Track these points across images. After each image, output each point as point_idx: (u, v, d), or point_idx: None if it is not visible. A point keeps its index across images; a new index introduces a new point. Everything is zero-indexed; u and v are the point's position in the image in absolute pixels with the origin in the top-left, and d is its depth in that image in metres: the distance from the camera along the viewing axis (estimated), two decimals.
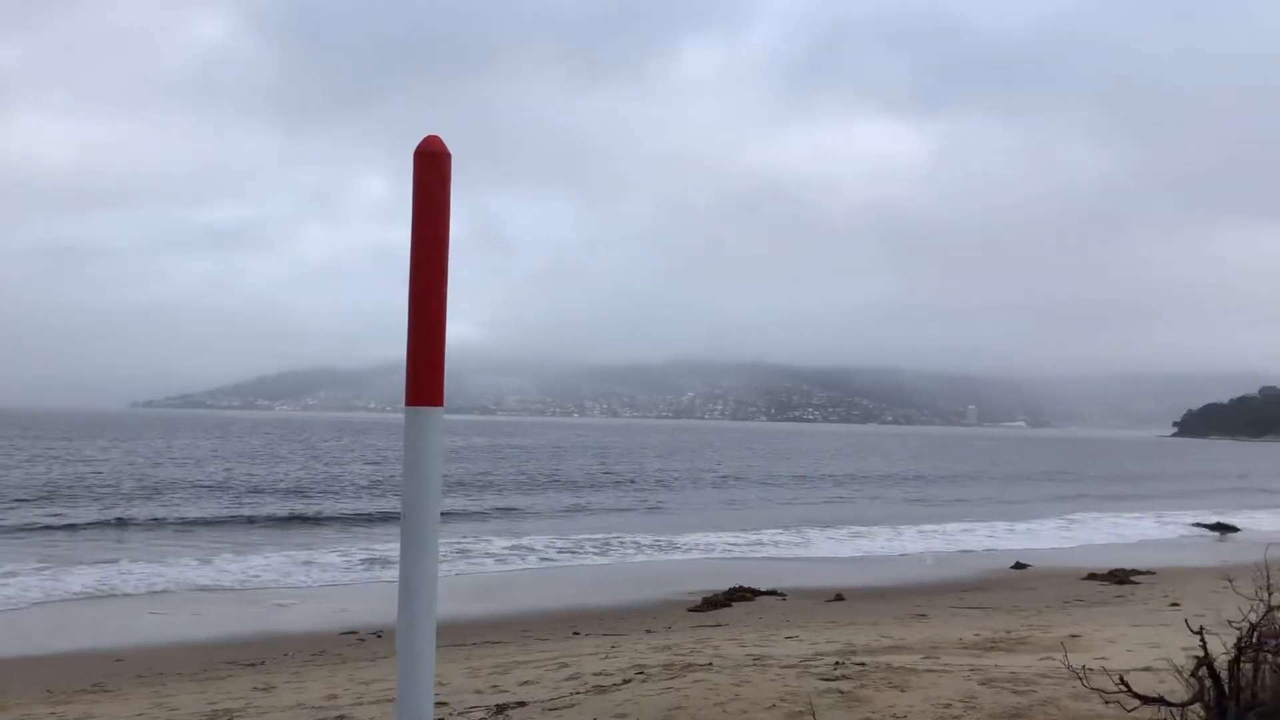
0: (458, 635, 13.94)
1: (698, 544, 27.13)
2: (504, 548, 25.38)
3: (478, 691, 9.43)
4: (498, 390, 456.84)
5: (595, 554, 25.11)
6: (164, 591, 18.88)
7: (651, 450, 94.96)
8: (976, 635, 12.67)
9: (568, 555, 24.78)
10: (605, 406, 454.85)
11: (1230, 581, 5.01)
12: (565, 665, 10.60)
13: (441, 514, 3.28)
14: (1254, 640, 4.54)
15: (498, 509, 36.91)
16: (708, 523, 32.60)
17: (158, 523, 30.19)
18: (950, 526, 33.35)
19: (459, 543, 25.43)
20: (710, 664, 10.13)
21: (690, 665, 10.07)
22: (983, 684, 8.80)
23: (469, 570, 22.17)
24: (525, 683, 9.75)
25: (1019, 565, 23.65)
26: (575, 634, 14.37)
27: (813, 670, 9.51)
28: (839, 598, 18.17)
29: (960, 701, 8.06)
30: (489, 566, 22.89)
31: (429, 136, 3.25)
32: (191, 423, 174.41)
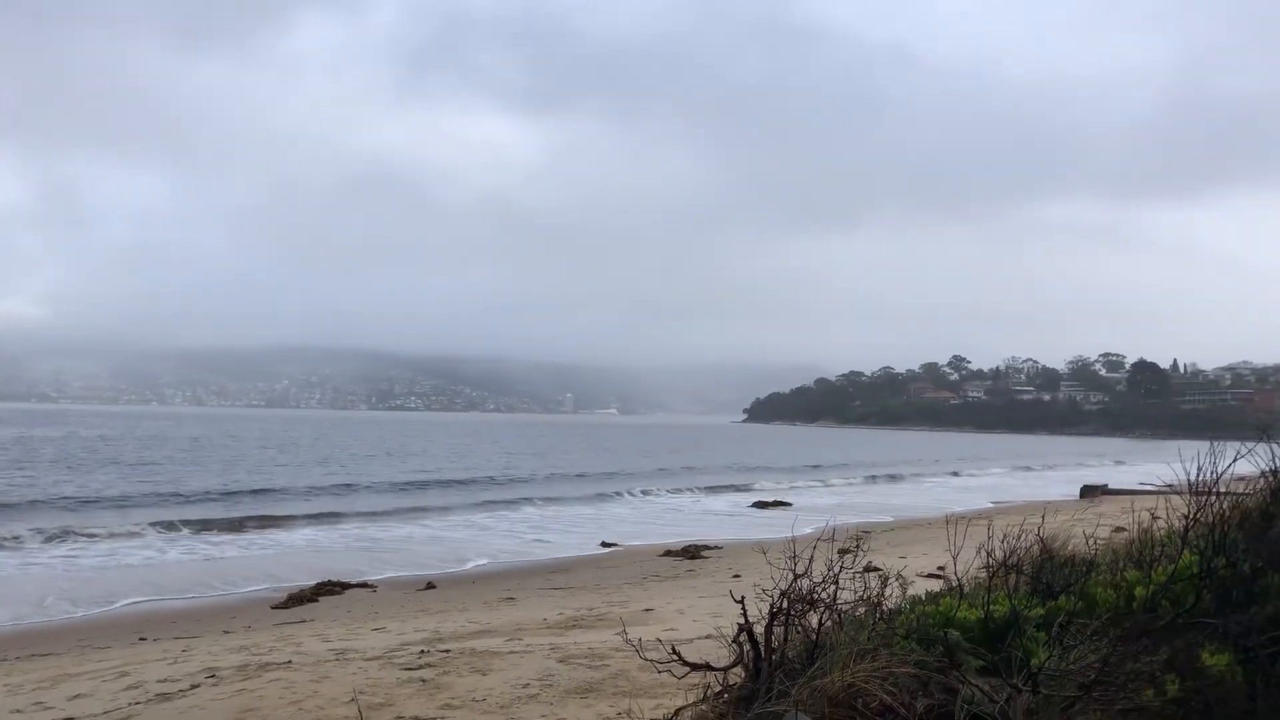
0: None
1: (287, 538, 26.00)
2: (53, 547, 22.90)
3: (17, 711, 8.45)
4: (61, 375, 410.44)
5: (169, 550, 23.28)
6: None
7: (252, 440, 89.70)
8: (560, 615, 13.18)
9: (138, 552, 22.76)
10: (189, 394, 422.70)
11: (764, 553, 5.54)
12: (126, 674, 9.75)
13: None
14: (784, 606, 5.06)
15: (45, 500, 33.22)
16: (300, 514, 31.22)
17: None
18: (535, 511, 34.46)
19: None
20: (290, 662, 9.76)
21: (268, 665, 9.63)
22: (561, 661, 9.16)
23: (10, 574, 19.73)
24: (77, 696, 8.87)
25: (606, 544, 24.88)
26: (142, 639, 13.27)
27: (396, 661, 9.44)
28: (430, 586, 18.16)
29: (538, 680, 8.34)
30: (34, 569, 20.45)
31: None
32: None
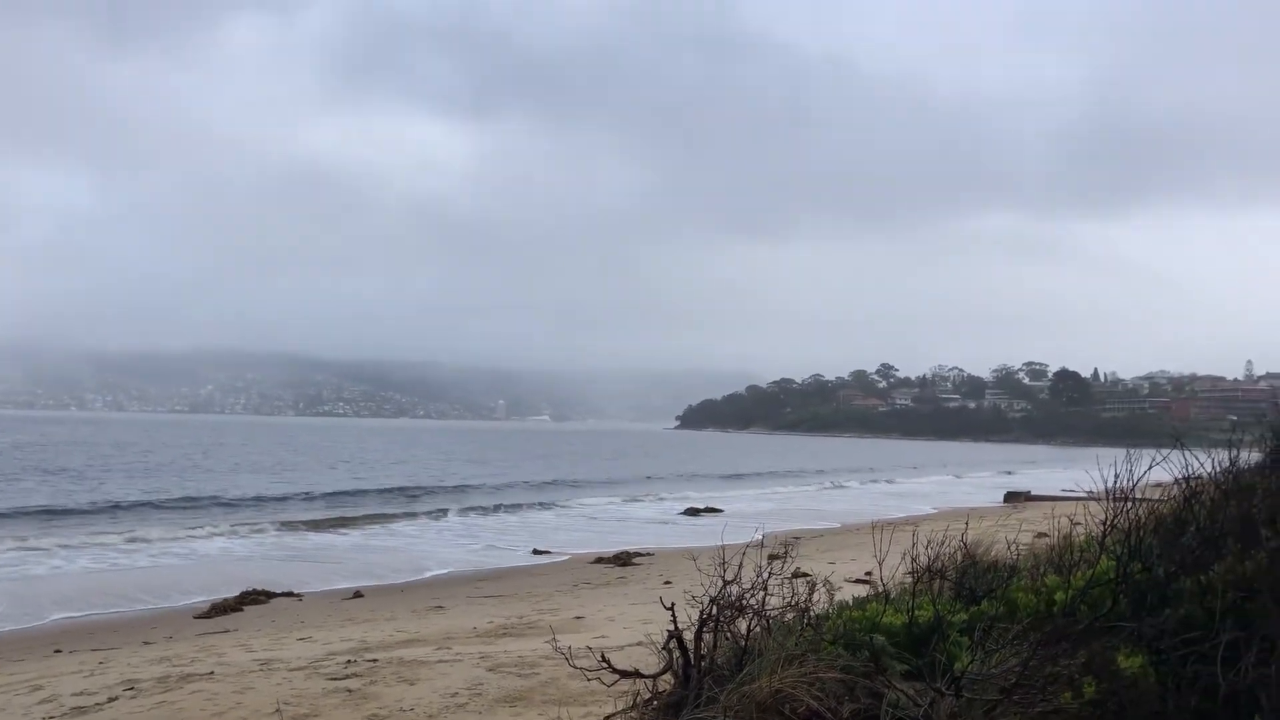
0: None
1: (205, 547, 25.47)
2: None
3: None
4: None
5: (78, 560, 22.61)
6: None
7: (174, 446, 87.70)
8: (490, 623, 13.09)
9: (50, 562, 22.11)
10: (109, 399, 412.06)
11: (695, 560, 5.55)
12: (39, 688, 9.47)
13: None
14: (713, 612, 5.08)
15: None
16: (223, 522, 30.60)
17: None
18: (466, 519, 34.24)
19: None
20: (212, 673, 9.55)
21: (189, 676, 9.42)
22: (490, 670, 9.10)
23: None
24: None
25: (538, 551, 24.78)
26: (57, 651, 12.88)
27: (322, 670, 9.30)
28: (358, 595, 17.93)
29: (467, 689, 8.27)
30: None
31: None
32: None
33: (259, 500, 39.82)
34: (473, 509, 37.45)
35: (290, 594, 18.09)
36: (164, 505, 36.56)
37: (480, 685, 8.38)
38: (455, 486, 49.06)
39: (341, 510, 36.19)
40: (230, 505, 37.36)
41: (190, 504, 37.24)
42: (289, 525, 30.54)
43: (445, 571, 21.74)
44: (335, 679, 8.80)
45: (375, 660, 9.85)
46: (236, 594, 17.37)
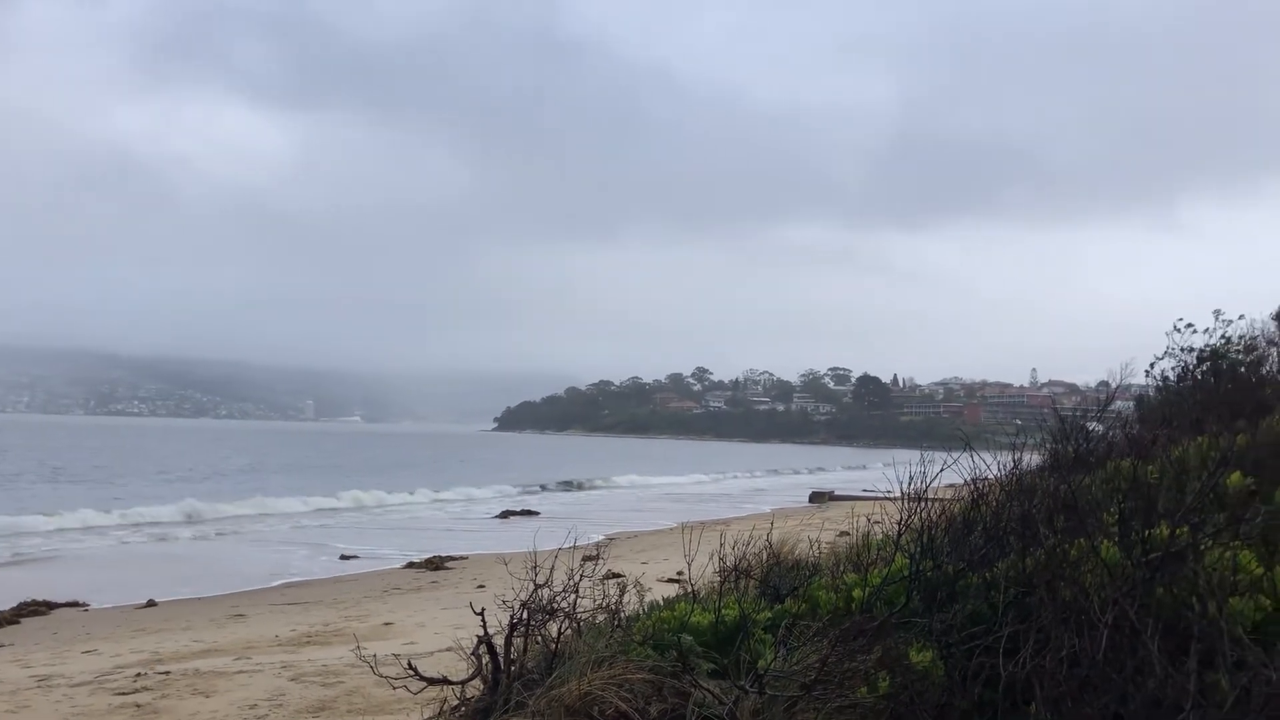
0: None
1: None
2: None
3: None
4: None
5: None
6: None
7: None
8: (293, 631, 12.64)
9: None
10: None
11: (506, 564, 5.51)
12: None
13: None
14: (524, 616, 5.05)
15: None
16: None
17: None
18: (269, 524, 33.00)
19: None
20: None
21: None
22: (293, 680, 8.79)
23: None
24: None
25: (346, 557, 24.08)
26: None
27: (109, 686, 8.77)
28: (151, 604, 16.97)
29: (268, 700, 7.96)
30: None
31: None
32: None
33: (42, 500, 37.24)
34: (279, 513, 36.02)
35: (75, 604, 16.96)
36: None
37: (282, 696, 8.08)
38: (259, 488, 47.10)
39: (137, 513, 34.08)
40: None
41: None
42: (70, 531, 28.61)
43: (248, 577, 20.81)
44: (123, 694, 8.31)
45: (168, 673, 9.35)
46: (12, 606, 16.16)
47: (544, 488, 54.21)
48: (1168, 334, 9.24)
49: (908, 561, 4.80)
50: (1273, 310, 9.57)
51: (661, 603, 5.55)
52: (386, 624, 13.07)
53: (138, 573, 21.36)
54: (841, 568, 5.85)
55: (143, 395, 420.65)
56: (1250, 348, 9.24)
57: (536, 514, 36.82)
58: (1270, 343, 9.22)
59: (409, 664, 4.86)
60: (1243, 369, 8.88)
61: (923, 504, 5.27)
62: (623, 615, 5.47)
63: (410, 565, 21.97)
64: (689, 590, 5.52)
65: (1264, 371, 8.80)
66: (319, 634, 12.31)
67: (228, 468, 66.47)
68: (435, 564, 21.90)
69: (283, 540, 28.48)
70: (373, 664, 5.24)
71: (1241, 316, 9.45)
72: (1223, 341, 9.26)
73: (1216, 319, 9.32)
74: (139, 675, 9.27)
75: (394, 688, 4.90)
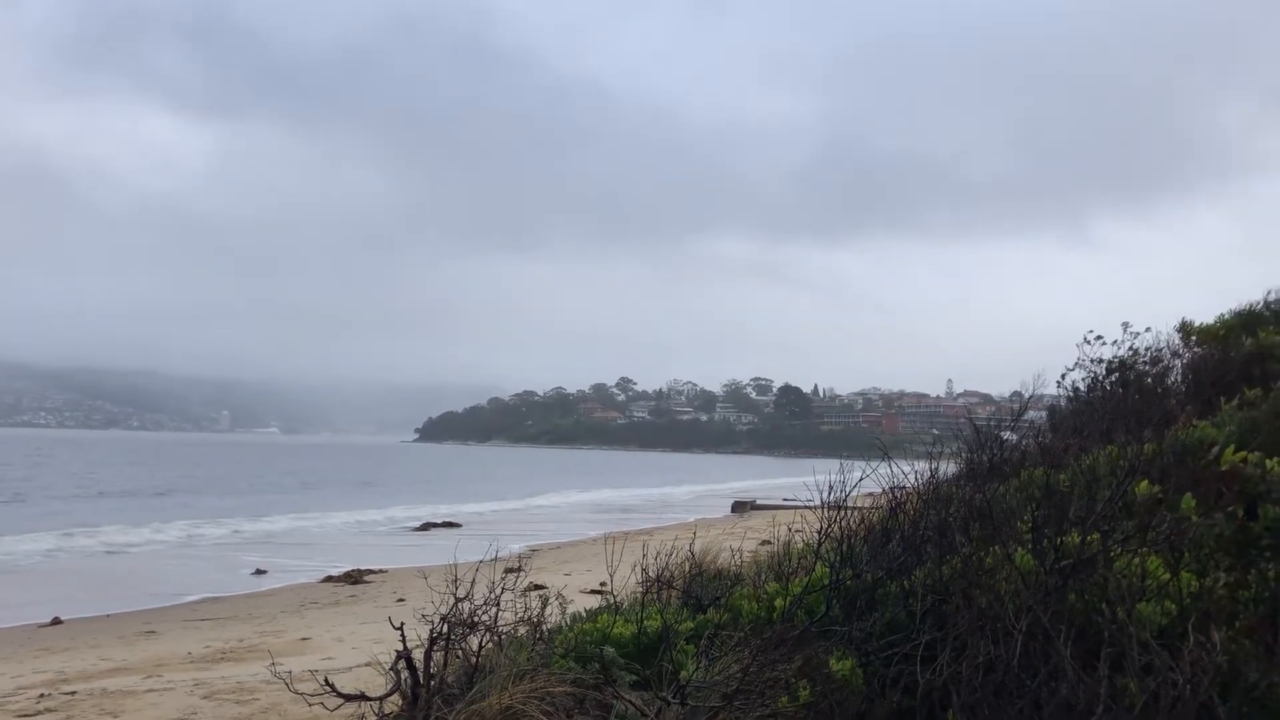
0: None
1: None
2: None
3: None
4: None
5: None
6: None
7: None
8: (206, 648, 12.33)
9: None
10: None
11: (426, 577, 5.44)
12: None
13: None
14: (444, 630, 4.99)
15: None
16: None
17: None
18: (176, 535, 32.17)
19: None
20: None
21: None
22: (205, 698, 8.57)
23: None
24: None
25: (260, 571, 23.57)
26: None
27: (10, 707, 8.45)
28: (56, 621, 16.39)
29: (179, 719, 7.75)
30: None
31: None
32: None
33: None
34: (187, 525, 35.01)
35: None
36: None
37: (194, 714, 7.87)
38: (166, 501, 45.91)
39: (35, 527, 32.92)
40: None
41: None
42: None
43: (161, 594, 20.24)
44: (25, 715, 8.02)
45: (74, 693, 9.05)
46: None
47: (465, 499, 53.70)
48: (1078, 346, 9.47)
49: (828, 570, 4.85)
50: (1176, 323, 9.86)
51: (584, 614, 5.53)
52: (303, 639, 12.82)
53: (41, 589, 20.63)
54: (763, 577, 5.89)
55: (50, 406, 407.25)
56: (1156, 359, 9.52)
57: (458, 525, 36.47)
58: (1174, 354, 9.50)
59: (326, 680, 4.77)
60: (1149, 380, 9.15)
61: (843, 513, 5.33)
62: (545, 628, 5.43)
63: (328, 579, 21.58)
64: (612, 601, 5.51)
65: (1169, 382, 9.07)
66: (233, 650, 12.02)
67: (138, 481, 64.65)
68: (354, 578, 21.54)
69: (196, 556, 27.76)
70: (288, 680, 5.13)
71: (1148, 329, 9.73)
72: (1130, 353, 9.53)
73: (1124, 331, 9.59)
74: (42, 696, 8.95)
75: (310, 705, 4.80)
